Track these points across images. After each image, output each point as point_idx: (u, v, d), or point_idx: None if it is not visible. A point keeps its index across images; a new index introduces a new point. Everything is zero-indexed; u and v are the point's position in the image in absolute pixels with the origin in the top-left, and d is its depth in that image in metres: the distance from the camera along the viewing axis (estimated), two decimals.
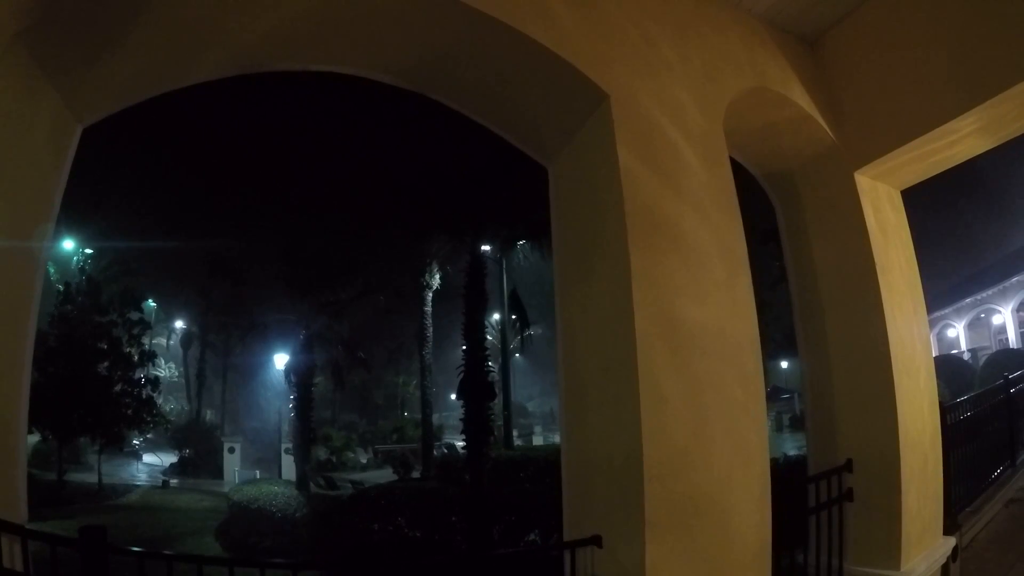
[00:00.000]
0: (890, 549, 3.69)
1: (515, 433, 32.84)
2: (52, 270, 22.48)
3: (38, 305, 2.68)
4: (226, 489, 24.10)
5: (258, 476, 27.95)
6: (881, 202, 4.22)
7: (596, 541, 2.76)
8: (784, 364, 35.64)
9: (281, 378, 29.46)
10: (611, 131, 2.91)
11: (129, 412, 24.37)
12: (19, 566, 2.28)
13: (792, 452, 15.45)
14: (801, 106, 3.94)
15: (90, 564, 2.26)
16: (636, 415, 2.61)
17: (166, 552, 2.48)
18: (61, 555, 2.29)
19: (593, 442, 2.94)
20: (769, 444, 3.10)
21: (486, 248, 14.93)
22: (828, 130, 4.06)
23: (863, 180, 4.10)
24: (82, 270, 24.29)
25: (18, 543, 2.29)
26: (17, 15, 2.29)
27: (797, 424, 27.99)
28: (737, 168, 3.71)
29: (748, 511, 2.88)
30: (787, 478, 4.05)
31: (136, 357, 25.22)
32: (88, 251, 25.10)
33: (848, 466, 3.90)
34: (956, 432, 5.17)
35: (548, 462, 15.06)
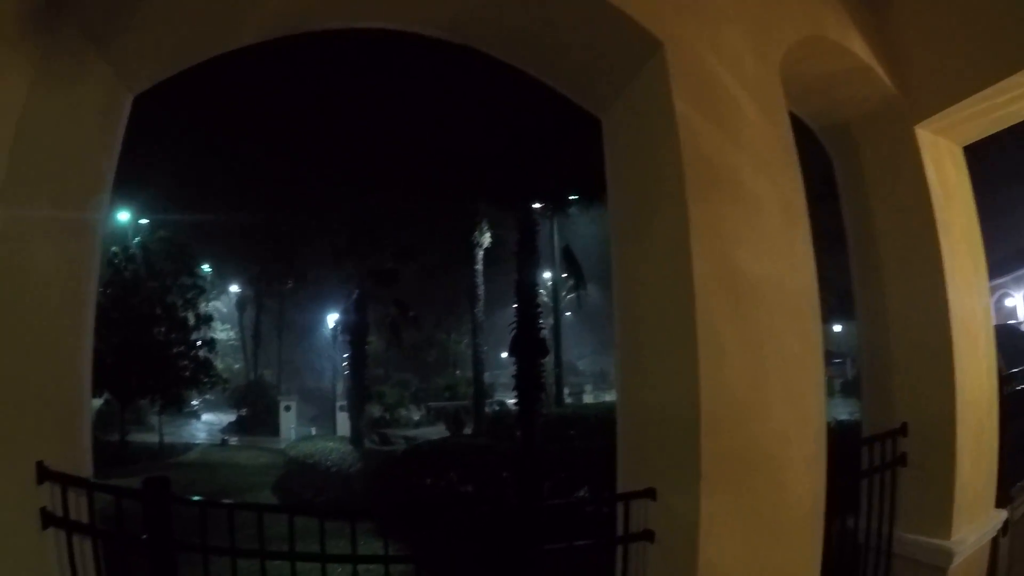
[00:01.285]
0: (941, 517, 3.60)
1: (566, 391, 32.94)
2: (114, 250, 23.16)
3: (97, 274, 2.78)
4: (283, 446, 25.01)
5: (314, 433, 28.83)
6: (943, 158, 4.03)
7: (650, 494, 2.72)
8: (837, 328, 34.71)
9: (335, 337, 30.04)
10: (667, 80, 2.82)
11: (187, 374, 25.32)
12: (85, 518, 2.40)
13: (844, 417, 15.10)
14: (860, 56, 3.76)
15: (154, 513, 2.34)
16: (694, 366, 2.56)
17: (227, 501, 2.55)
18: (125, 510, 2.40)
19: (649, 394, 2.90)
20: None
21: (537, 205, 14.71)
22: (888, 81, 3.87)
23: (924, 135, 3.91)
24: (137, 238, 25.04)
25: (84, 496, 2.41)
26: None
27: (849, 389, 27.32)
28: (794, 121, 3.57)
29: (803, 469, 2.84)
30: (840, 440, 3.95)
31: (192, 321, 26.07)
32: (143, 220, 25.83)
33: (903, 430, 3.78)
34: (1012, 403, 4.97)
35: (599, 420, 15.09)
